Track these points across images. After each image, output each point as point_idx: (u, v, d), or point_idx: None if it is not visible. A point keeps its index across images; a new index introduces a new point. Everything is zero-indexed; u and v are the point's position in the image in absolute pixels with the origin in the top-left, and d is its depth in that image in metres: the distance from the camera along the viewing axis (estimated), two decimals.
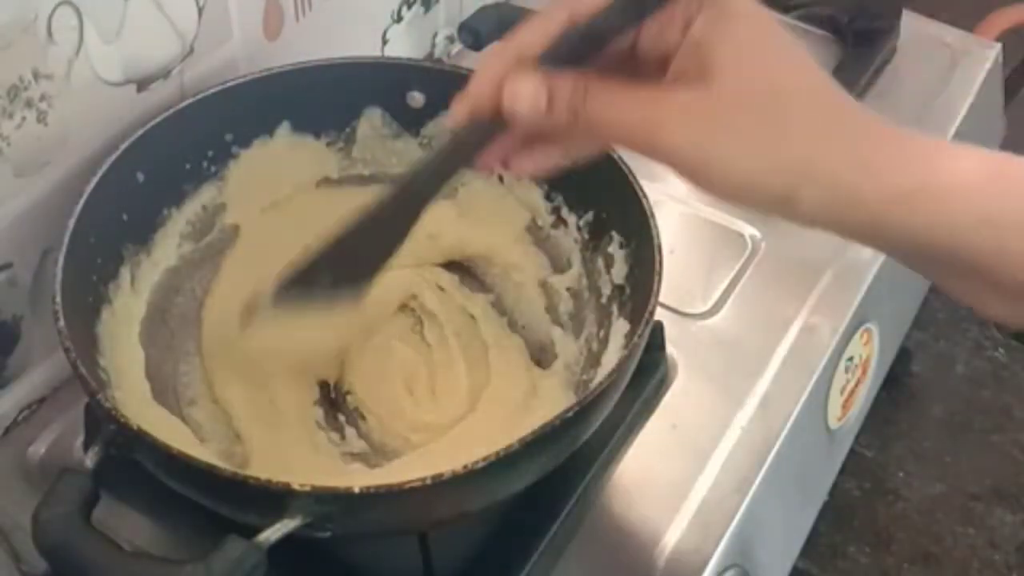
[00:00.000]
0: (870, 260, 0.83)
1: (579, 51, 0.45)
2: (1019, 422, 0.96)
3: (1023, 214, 0.42)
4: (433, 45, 0.97)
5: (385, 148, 0.77)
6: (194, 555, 0.49)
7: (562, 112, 0.45)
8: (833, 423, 0.80)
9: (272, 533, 0.50)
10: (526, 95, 0.45)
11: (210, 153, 0.72)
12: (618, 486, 0.69)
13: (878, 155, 0.43)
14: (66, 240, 0.60)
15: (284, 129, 0.74)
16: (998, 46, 1.05)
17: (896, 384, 0.95)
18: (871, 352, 0.85)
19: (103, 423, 0.55)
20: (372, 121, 0.76)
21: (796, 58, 0.44)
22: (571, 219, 0.73)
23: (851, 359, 0.81)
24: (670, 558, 0.66)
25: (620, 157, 0.66)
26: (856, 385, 0.83)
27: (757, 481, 0.70)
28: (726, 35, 0.43)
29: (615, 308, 0.68)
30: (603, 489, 0.68)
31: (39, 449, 0.70)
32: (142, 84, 0.69)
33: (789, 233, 0.84)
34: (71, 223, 0.61)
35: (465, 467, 0.51)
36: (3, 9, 0.58)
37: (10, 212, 0.65)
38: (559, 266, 0.74)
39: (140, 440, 0.53)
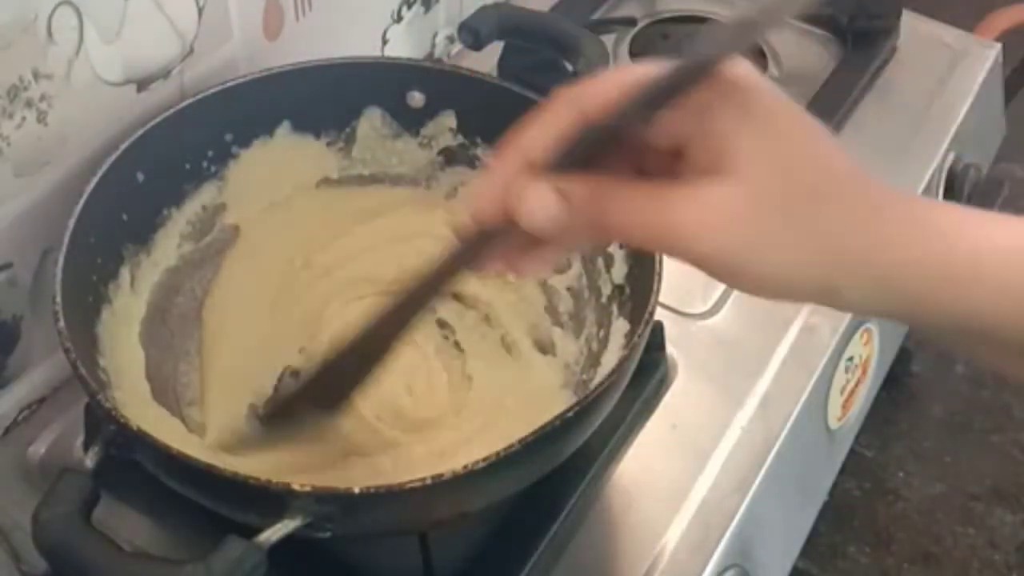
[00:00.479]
0: None
1: (591, 153, 0.42)
2: (1019, 422, 0.96)
3: None
4: (433, 45, 0.97)
5: (385, 148, 0.77)
6: (194, 555, 0.49)
7: (579, 221, 0.42)
8: (833, 423, 0.80)
9: (272, 533, 0.50)
10: (542, 206, 0.42)
11: (210, 153, 0.72)
12: (618, 486, 0.69)
13: (915, 237, 0.41)
14: (66, 240, 0.60)
15: (284, 129, 0.74)
16: (998, 46, 1.05)
17: (896, 384, 0.95)
18: (871, 352, 0.85)
19: (103, 423, 0.55)
20: (372, 121, 0.76)
21: (823, 150, 0.42)
22: None
23: (851, 359, 0.81)
24: (670, 558, 0.66)
25: None
26: (856, 385, 0.83)
27: (757, 481, 0.70)
28: (748, 125, 0.40)
29: (615, 308, 0.68)
30: (603, 489, 0.68)
31: (39, 449, 0.70)
32: (142, 84, 0.69)
33: None
34: (71, 223, 0.61)
35: (465, 467, 0.51)
36: (3, 9, 0.58)
37: (10, 212, 0.65)
38: (559, 266, 0.74)
39: (140, 440, 0.53)
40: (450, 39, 0.99)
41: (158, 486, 0.56)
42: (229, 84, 0.70)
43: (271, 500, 0.51)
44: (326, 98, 0.73)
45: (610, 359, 0.66)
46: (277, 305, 0.73)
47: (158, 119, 0.67)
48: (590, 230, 0.43)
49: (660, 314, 0.74)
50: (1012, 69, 1.23)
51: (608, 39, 0.97)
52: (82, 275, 0.63)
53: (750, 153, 0.40)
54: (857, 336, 0.81)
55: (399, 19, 0.91)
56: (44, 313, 0.69)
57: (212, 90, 0.70)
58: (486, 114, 0.72)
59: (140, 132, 0.66)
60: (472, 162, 0.75)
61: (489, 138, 0.74)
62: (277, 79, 0.71)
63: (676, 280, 0.79)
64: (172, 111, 0.68)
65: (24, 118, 0.62)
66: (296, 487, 0.50)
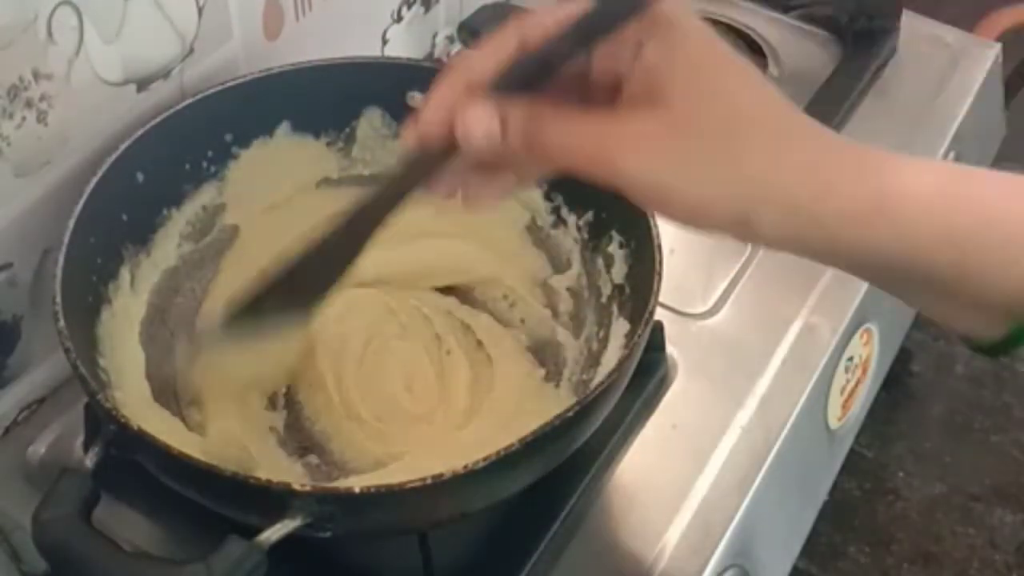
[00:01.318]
0: None
1: (530, 77, 0.44)
2: (1019, 422, 0.96)
3: (979, 229, 0.42)
4: (433, 45, 0.97)
5: (385, 148, 0.77)
6: (194, 555, 0.49)
7: (516, 140, 0.44)
8: (833, 423, 0.80)
9: (273, 533, 0.50)
10: (479, 124, 0.44)
11: (210, 153, 0.72)
12: (618, 486, 0.69)
13: (834, 174, 0.43)
14: (66, 240, 0.60)
15: (284, 129, 0.74)
16: (998, 46, 1.05)
17: (896, 384, 0.95)
18: (871, 352, 0.85)
19: (103, 423, 0.55)
20: (372, 121, 0.76)
21: (748, 79, 0.44)
22: (571, 219, 0.73)
23: (851, 359, 0.81)
24: (670, 558, 0.66)
25: None
26: (856, 385, 0.83)
27: (757, 481, 0.70)
28: (677, 60, 0.43)
29: (615, 308, 0.68)
30: (603, 489, 0.68)
31: (39, 449, 0.70)
32: (142, 84, 0.69)
33: None
34: (71, 223, 0.61)
35: (465, 467, 0.51)
36: (3, 9, 0.58)
37: (10, 212, 0.65)
38: (559, 266, 0.74)
39: (140, 440, 0.53)
40: (450, 39, 0.99)
41: (158, 486, 0.56)
42: (229, 84, 0.70)
43: (271, 500, 0.51)
44: (326, 98, 0.73)
45: (610, 359, 0.66)
46: None
47: (158, 119, 0.67)
48: (526, 150, 0.45)
49: (660, 314, 0.74)
50: (1012, 69, 1.23)
51: None
52: (82, 275, 0.63)
53: (678, 86, 0.42)
54: (857, 336, 0.81)
55: (399, 19, 0.91)
56: (44, 313, 0.69)
57: (212, 90, 0.70)
58: None
59: (140, 132, 0.66)
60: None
61: None
62: (277, 79, 0.71)
63: (676, 280, 0.79)
64: (172, 111, 0.68)
65: (24, 118, 0.62)
66: (297, 487, 0.50)
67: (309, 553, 0.60)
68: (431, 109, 0.46)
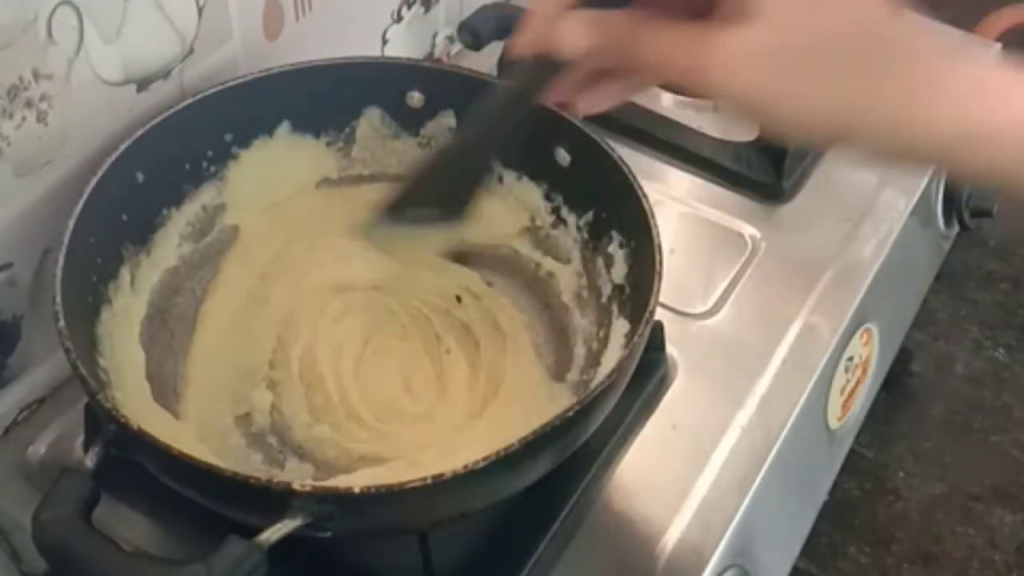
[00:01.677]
0: (870, 260, 0.83)
1: None
2: (1019, 422, 0.96)
3: None
4: (433, 45, 0.97)
5: (385, 148, 0.77)
6: (194, 555, 0.49)
7: (616, 51, 0.45)
8: (833, 423, 0.80)
9: (273, 533, 0.50)
10: (578, 35, 0.45)
11: (210, 153, 0.72)
12: (618, 486, 0.69)
13: (934, 97, 0.42)
14: (66, 240, 0.60)
15: (284, 129, 0.74)
16: (998, 46, 1.05)
17: (896, 384, 0.95)
18: (871, 352, 0.85)
19: (103, 424, 0.55)
20: (372, 121, 0.76)
21: None
22: (571, 219, 0.73)
23: (851, 359, 0.81)
24: (670, 558, 0.66)
25: (620, 157, 0.66)
26: (856, 385, 0.83)
27: (757, 481, 0.70)
28: None
29: (615, 308, 0.68)
30: (603, 489, 0.68)
31: (39, 449, 0.70)
32: (142, 84, 0.69)
33: (789, 233, 0.85)
34: (71, 223, 0.61)
35: (465, 467, 0.51)
36: (3, 9, 0.58)
37: (10, 212, 0.65)
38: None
39: (141, 441, 0.53)
40: (450, 39, 0.99)
41: (158, 486, 0.56)
42: (229, 84, 0.70)
43: (271, 500, 0.51)
44: (326, 98, 0.73)
45: (610, 359, 0.66)
46: (276, 306, 0.73)
47: (158, 119, 0.67)
48: (625, 60, 0.45)
49: (660, 314, 0.74)
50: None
51: None
52: (82, 275, 0.63)
53: (775, 1, 0.42)
54: (857, 336, 0.81)
55: (399, 19, 0.91)
56: (44, 313, 0.69)
57: (212, 90, 0.70)
58: None
59: (140, 132, 0.66)
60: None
61: None
62: (277, 79, 0.71)
63: (676, 280, 0.79)
64: (172, 111, 0.68)
65: (24, 118, 0.62)
66: (297, 487, 0.50)
67: (309, 553, 0.60)
68: (533, 23, 0.47)
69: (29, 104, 0.62)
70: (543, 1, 0.47)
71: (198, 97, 0.69)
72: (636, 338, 0.59)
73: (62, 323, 0.57)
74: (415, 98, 0.74)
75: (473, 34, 0.83)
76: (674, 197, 0.86)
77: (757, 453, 0.71)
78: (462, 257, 0.75)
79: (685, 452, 0.71)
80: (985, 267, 1.07)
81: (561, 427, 0.53)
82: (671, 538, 0.66)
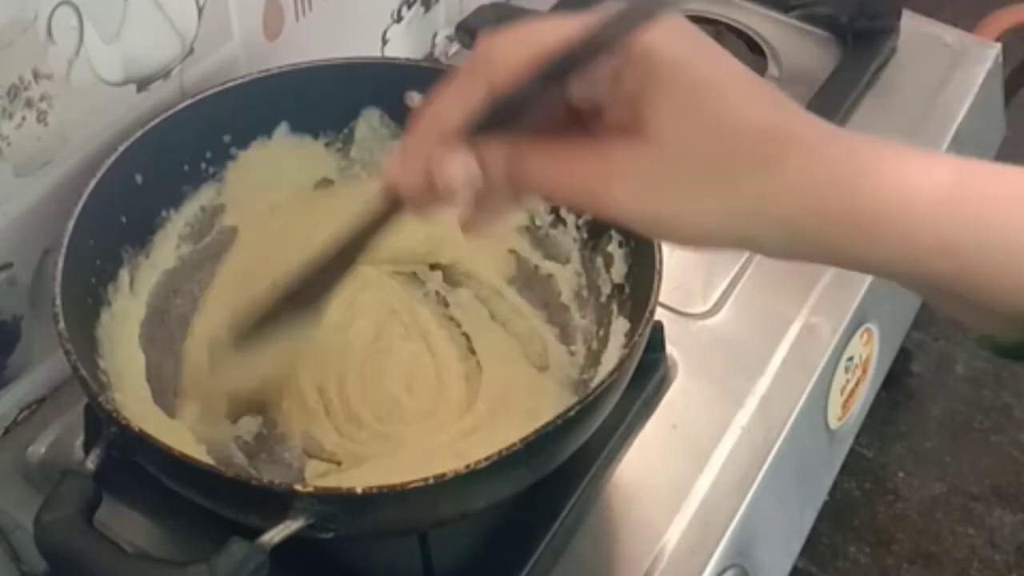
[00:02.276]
0: None
1: (503, 118, 0.43)
2: (1019, 422, 0.96)
3: (981, 237, 0.41)
4: (433, 45, 0.97)
5: (383, 148, 0.77)
6: (197, 557, 0.49)
7: (500, 183, 0.43)
8: (833, 423, 0.80)
9: (275, 534, 0.50)
10: (458, 175, 0.43)
11: (208, 154, 0.72)
12: (618, 486, 0.69)
13: (831, 188, 0.41)
14: (65, 242, 0.60)
15: (282, 130, 0.74)
16: (998, 46, 1.05)
17: (896, 384, 0.95)
18: (871, 352, 0.85)
19: (105, 425, 0.55)
20: (370, 121, 0.76)
21: (734, 98, 0.41)
22: (570, 218, 0.73)
23: (851, 359, 0.81)
24: (670, 558, 0.66)
25: None
26: (856, 385, 0.83)
27: (757, 481, 0.70)
28: (657, 90, 0.41)
29: (615, 307, 0.68)
30: (603, 489, 0.68)
31: (39, 449, 0.70)
32: (142, 84, 0.69)
33: None
34: (69, 225, 0.61)
35: (467, 467, 0.51)
36: (3, 9, 0.58)
37: (10, 212, 0.65)
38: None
39: (142, 442, 0.53)
40: (450, 39, 0.99)
41: (160, 487, 0.56)
42: (227, 85, 0.70)
43: (273, 501, 0.51)
44: (324, 98, 0.73)
45: (610, 358, 0.66)
46: None
47: (156, 120, 0.67)
48: (512, 190, 0.44)
49: (660, 314, 0.75)
50: (1012, 69, 1.23)
51: None
52: (81, 277, 0.63)
53: (661, 116, 0.41)
54: (857, 336, 0.81)
55: (399, 19, 0.91)
56: (44, 313, 0.69)
57: (210, 91, 0.70)
58: None
59: (138, 134, 0.66)
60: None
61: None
62: (275, 80, 0.71)
63: (676, 280, 0.79)
64: (170, 112, 0.68)
65: (24, 118, 0.62)
66: (298, 487, 0.51)
67: (309, 553, 0.60)
68: (405, 162, 0.44)
69: (29, 104, 0.62)
70: (420, 137, 0.44)
71: (196, 98, 0.69)
72: (637, 337, 0.59)
73: (62, 325, 0.57)
74: (414, 98, 0.74)
75: (471, 34, 0.83)
76: None
77: (757, 453, 0.71)
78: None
79: (685, 452, 0.71)
80: None
81: (562, 427, 0.53)
82: (671, 538, 0.66)
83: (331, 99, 0.74)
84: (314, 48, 0.76)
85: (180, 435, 0.63)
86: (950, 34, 1.05)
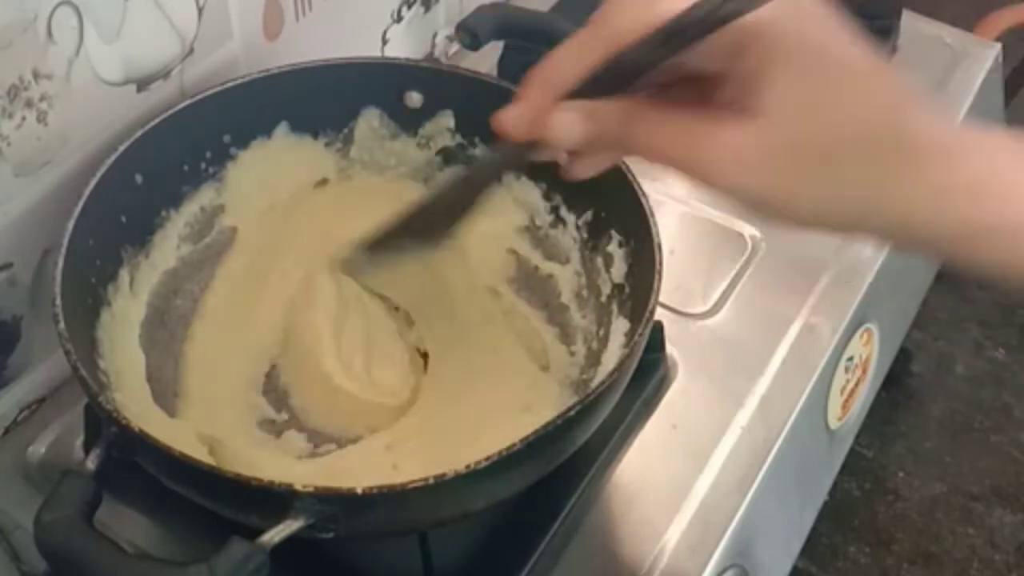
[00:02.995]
0: (870, 260, 0.83)
1: (618, 80, 0.43)
2: (1019, 422, 0.96)
3: None
4: (433, 45, 0.97)
5: (383, 148, 0.77)
6: (196, 557, 0.49)
7: (610, 143, 0.45)
8: (833, 423, 0.80)
9: (275, 534, 0.50)
10: (572, 127, 0.44)
11: (208, 154, 0.72)
12: (618, 486, 0.69)
13: (948, 195, 0.41)
14: (65, 242, 0.60)
15: (282, 129, 0.74)
16: (998, 46, 1.05)
17: (896, 384, 0.95)
18: (871, 352, 0.85)
19: (104, 426, 0.55)
20: (370, 121, 0.76)
21: (856, 96, 0.41)
22: (570, 218, 0.73)
23: (851, 359, 0.81)
24: (670, 558, 0.66)
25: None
26: (856, 385, 0.83)
27: (757, 481, 0.70)
28: (779, 69, 0.40)
29: (615, 307, 0.68)
30: (603, 489, 0.68)
31: (39, 449, 0.70)
32: (142, 84, 0.69)
33: (789, 233, 0.84)
34: (69, 225, 0.61)
35: (468, 467, 0.51)
36: (3, 9, 0.58)
37: (10, 212, 0.65)
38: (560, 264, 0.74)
39: (142, 442, 0.53)
40: (450, 39, 0.99)
41: (160, 487, 0.56)
42: (227, 85, 0.70)
43: (273, 501, 0.51)
44: (324, 98, 0.73)
45: (610, 358, 0.66)
46: (273, 306, 0.73)
47: (156, 120, 0.67)
48: (620, 151, 0.46)
49: (660, 314, 0.74)
50: (1012, 69, 1.23)
51: None
52: (81, 277, 0.63)
53: (779, 97, 0.40)
54: (857, 336, 0.81)
55: (399, 19, 0.91)
56: (44, 313, 0.69)
57: (210, 91, 0.70)
58: (485, 114, 0.71)
59: (138, 134, 0.66)
60: (470, 162, 0.75)
61: (488, 138, 0.74)
62: (275, 80, 0.71)
63: (676, 280, 0.79)
64: (170, 112, 0.68)
65: (24, 118, 0.62)
66: (299, 488, 0.51)
67: (309, 553, 0.60)
68: (518, 113, 0.46)
69: (29, 104, 0.62)
70: (535, 90, 0.45)
71: (196, 98, 0.69)
72: (637, 337, 0.59)
73: (62, 325, 0.57)
74: (413, 98, 0.74)
75: (471, 34, 0.83)
76: (674, 197, 0.86)
77: (757, 453, 0.71)
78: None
79: (685, 452, 0.71)
80: None
81: (563, 426, 0.53)
82: (671, 538, 0.66)
83: (331, 99, 0.74)
84: (314, 48, 0.76)
85: (180, 435, 0.63)
86: (950, 34, 1.05)
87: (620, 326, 0.66)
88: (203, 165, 0.72)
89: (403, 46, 0.92)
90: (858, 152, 0.41)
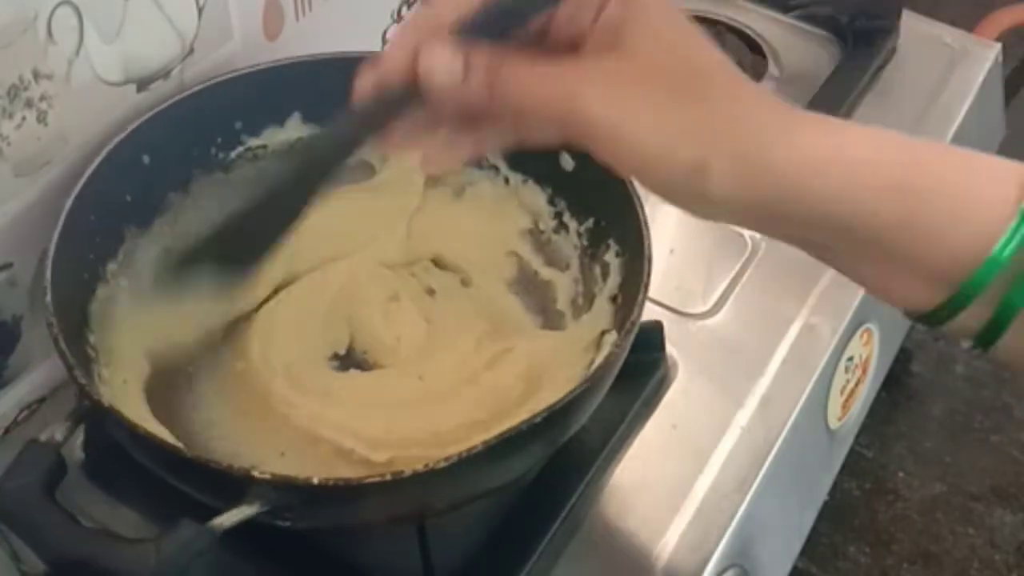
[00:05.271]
0: None
1: (496, 27, 0.45)
2: (1019, 422, 0.96)
3: (929, 184, 0.42)
4: None
5: None
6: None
7: (479, 83, 0.45)
8: (833, 423, 0.80)
9: (227, 518, 0.50)
10: (442, 64, 0.44)
11: (219, 140, 0.72)
12: (618, 486, 0.69)
13: (788, 127, 0.44)
14: (63, 216, 0.61)
15: (295, 120, 0.74)
16: (998, 46, 1.05)
17: (896, 384, 0.95)
18: (871, 352, 0.85)
19: (78, 399, 0.55)
20: None
21: (704, 42, 0.45)
22: (572, 224, 0.73)
23: (851, 359, 0.81)
24: (670, 558, 0.66)
25: None
26: (856, 385, 0.83)
27: (757, 481, 0.70)
28: (639, 16, 0.44)
29: (608, 317, 0.68)
30: (603, 489, 0.68)
31: None
32: (142, 84, 0.69)
33: None
34: (69, 201, 0.62)
35: (426, 466, 0.51)
36: (3, 9, 0.58)
37: (10, 212, 0.65)
38: (560, 270, 0.74)
39: (110, 418, 0.53)
40: None
41: (144, 478, 0.56)
42: (242, 72, 0.71)
43: (230, 484, 0.51)
44: (338, 90, 0.73)
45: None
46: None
47: (165, 104, 0.68)
48: (488, 90, 0.45)
49: (660, 314, 0.75)
50: (1012, 69, 1.23)
51: None
52: (79, 252, 0.63)
53: (640, 38, 0.44)
54: (857, 336, 0.81)
55: (399, 19, 0.91)
56: (44, 313, 0.69)
57: (222, 77, 0.70)
58: None
59: (148, 115, 0.67)
60: (480, 162, 0.76)
61: None
62: (288, 69, 0.72)
63: (676, 280, 0.79)
64: (184, 95, 0.69)
65: (24, 118, 0.62)
66: (256, 473, 0.51)
67: (307, 550, 0.60)
68: (395, 49, 0.46)
69: (29, 104, 0.62)
70: (406, 30, 0.46)
71: (209, 84, 0.70)
72: (615, 348, 0.58)
73: (49, 298, 0.57)
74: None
75: None
76: None
77: (757, 453, 0.71)
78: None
79: (685, 452, 0.71)
80: None
81: (527, 432, 0.53)
82: (671, 538, 0.66)
83: (344, 91, 0.74)
84: (314, 48, 0.76)
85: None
86: (950, 34, 1.05)
87: (610, 338, 0.66)
88: (213, 151, 0.72)
89: None
90: (708, 84, 0.44)
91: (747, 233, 0.84)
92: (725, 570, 0.67)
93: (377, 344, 0.70)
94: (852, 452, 0.87)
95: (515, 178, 0.75)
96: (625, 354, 0.59)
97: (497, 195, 0.75)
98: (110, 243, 0.67)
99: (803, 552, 0.80)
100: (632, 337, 0.59)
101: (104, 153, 0.64)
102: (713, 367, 0.76)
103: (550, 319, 0.73)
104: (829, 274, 0.81)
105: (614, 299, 0.68)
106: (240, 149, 0.73)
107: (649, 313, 0.65)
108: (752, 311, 0.79)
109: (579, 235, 0.72)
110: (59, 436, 0.54)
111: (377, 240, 0.75)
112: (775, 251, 0.83)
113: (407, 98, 0.46)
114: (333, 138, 0.49)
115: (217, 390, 0.67)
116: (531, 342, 0.69)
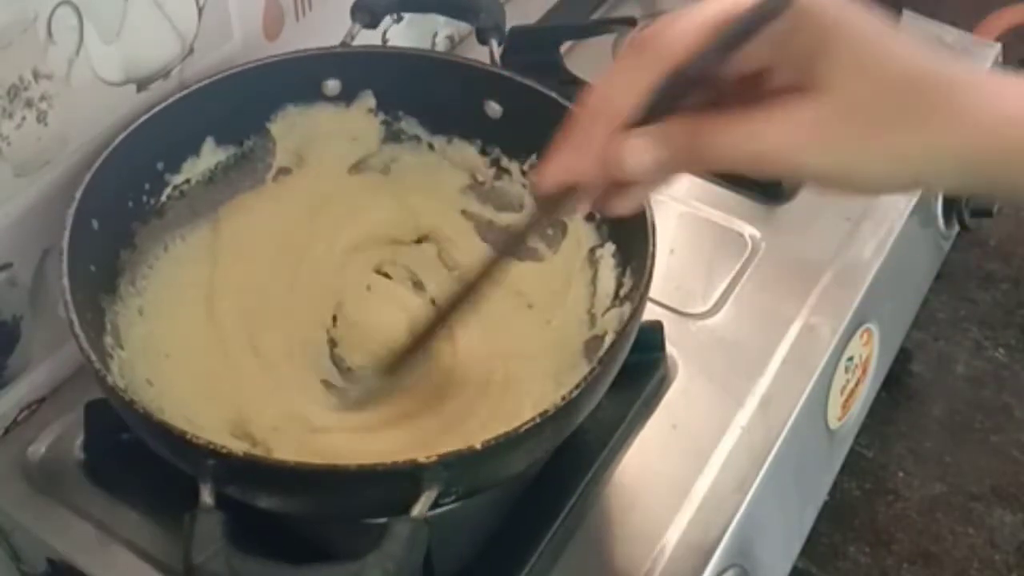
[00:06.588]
0: (870, 260, 0.83)
1: (675, 96, 0.44)
2: (1019, 422, 0.96)
3: None
4: (433, 45, 0.97)
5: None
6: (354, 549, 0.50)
7: (681, 160, 0.44)
8: (833, 423, 0.80)
9: (422, 506, 0.50)
10: (641, 159, 0.44)
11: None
12: (618, 486, 0.69)
13: (995, 101, 0.43)
14: (79, 193, 0.62)
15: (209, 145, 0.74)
16: (998, 46, 1.05)
17: (896, 384, 0.95)
18: (871, 352, 0.85)
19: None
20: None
21: (904, 48, 0.44)
22: (513, 166, 0.74)
23: (851, 359, 0.81)
24: (670, 558, 0.66)
25: (555, 95, 0.68)
26: (856, 385, 0.83)
27: (757, 481, 0.70)
28: (830, 47, 0.43)
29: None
30: (603, 489, 0.68)
31: (39, 449, 0.70)
32: (142, 84, 0.69)
33: (789, 233, 0.85)
34: (88, 176, 0.62)
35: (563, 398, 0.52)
36: (3, 9, 0.58)
37: (10, 212, 0.65)
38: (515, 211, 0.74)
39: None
40: (451, 39, 0.99)
41: (140, 473, 0.56)
42: (262, 62, 0.71)
43: (405, 479, 0.51)
44: (243, 105, 0.73)
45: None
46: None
47: (173, 98, 0.68)
48: (693, 165, 0.45)
49: (660, 314, 0.75)
50: (1012, 69, 1.23)
51: (608, 39, 0.97)
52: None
53: (834, 72, 0.43)
54: (857, 336, 0.81)
55: (399, 19, 0.91)
56: (44, 313, 0.69)
57: (240, 68, 0.71)
58: (410, 88, 0.74)
59: (162, 105, 0.68)
60: (398, 137, 0.76)
61: (413, 110, 0.75)
62: (315, 60, 0.73)
63: (676, 280, 0.79)
64: (182, 94, 0.69)
65: (24, 118, 0.62)
66: (422, 460, 0.50)
67: (308, 551, 0.60)
68: (579, 154, 0.45)
69: (29, 104, 0.62)
70: (590, 127, 0.45)
71: (225, 74, 0.70)
72: (603, 354, 0.58)
73: (65, 281, 0.58)
74: (329, 87, 0.74)
75: (368, 12, 0.78)
76: (674, 197, 0.86)
77: (757, 453, 0.71)
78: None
79: (685, 452, 0.71)
80: (985, 267, 1.07)
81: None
82: (671, 538, 0.66)
83: (251, 103, 0.74)
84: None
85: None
86: (950, 34, 1.05)
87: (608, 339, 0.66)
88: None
89: (404, 45, 0.92)
90: (922, 100, 0.43)
91: (747, 233, 0.84)
92: (725, 570, 0.67)
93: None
94: (852, 452, 0.86)
95: (439, 141, 0.75)
96: (625, 354, 0.59)
97: (425, 163, 0.75)
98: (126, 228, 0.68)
99: (803, 552, 0.80)
100: (632, 337, 0.59)
101: (123, 135, 0.65)
102: (713, 367, 0.75)
103: (532, 256, 0.73)
104: (829, 274, 0.81)
105: (590, 217, 0.68)
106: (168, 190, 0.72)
107: (649, 313, 0.65)
108: (752, 311, 0.79)
109: (523, 173, 0.73)
110: (209, 499, 0.52)
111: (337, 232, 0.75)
112: (775, 251, 0.83)
113: (579, 193, 0.46)
114: (515, 237, 0.54)
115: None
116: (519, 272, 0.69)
